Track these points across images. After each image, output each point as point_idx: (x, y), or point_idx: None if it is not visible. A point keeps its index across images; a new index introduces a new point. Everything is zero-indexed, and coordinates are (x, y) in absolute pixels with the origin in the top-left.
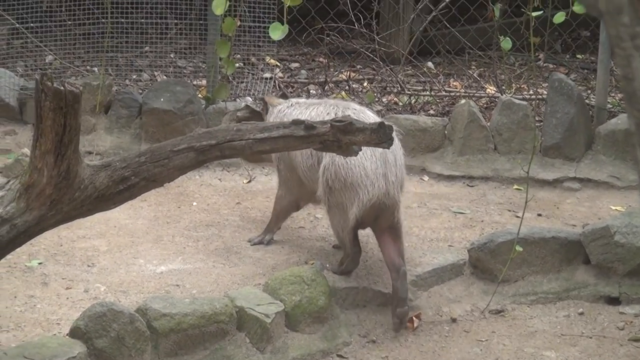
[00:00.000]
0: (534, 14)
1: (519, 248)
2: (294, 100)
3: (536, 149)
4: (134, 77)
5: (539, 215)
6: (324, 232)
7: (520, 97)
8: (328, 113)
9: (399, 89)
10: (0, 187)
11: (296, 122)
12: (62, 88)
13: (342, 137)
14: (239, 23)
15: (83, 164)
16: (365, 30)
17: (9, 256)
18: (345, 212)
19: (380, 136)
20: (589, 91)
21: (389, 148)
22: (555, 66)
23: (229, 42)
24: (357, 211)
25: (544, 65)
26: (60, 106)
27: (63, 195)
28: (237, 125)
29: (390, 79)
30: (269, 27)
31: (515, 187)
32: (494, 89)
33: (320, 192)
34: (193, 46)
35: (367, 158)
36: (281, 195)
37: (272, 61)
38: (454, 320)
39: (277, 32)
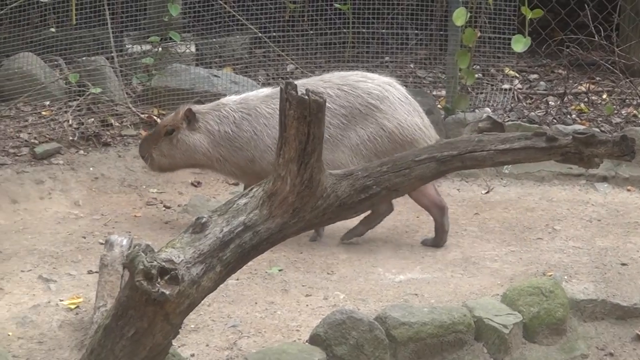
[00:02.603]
0: None
1: None
2: (227, 99)
3: None
4: None
5: None
6: (562, 244)
7: None
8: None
9: (639, 101)
10: (244, 195)
11: (538, 134)
12: (306, 97)
13: (584, 149)
14: (479, 34)
15: (326, 173)
16: (605, 42)
17: (250, 263)
18: None
19: (622, 149)
20: None
21: (630, 161)
22: None
23: (469, 53)
24: None
25: None
26: (304, 115)
27: (305, 203)
28: (478, 136)
29: (629, 91)
30: (508, 38)
31: None
32: None
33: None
34: (433, 56)
35: (408, 113)
36: None
37: (511, 72)
38: None
39: (520, 44)
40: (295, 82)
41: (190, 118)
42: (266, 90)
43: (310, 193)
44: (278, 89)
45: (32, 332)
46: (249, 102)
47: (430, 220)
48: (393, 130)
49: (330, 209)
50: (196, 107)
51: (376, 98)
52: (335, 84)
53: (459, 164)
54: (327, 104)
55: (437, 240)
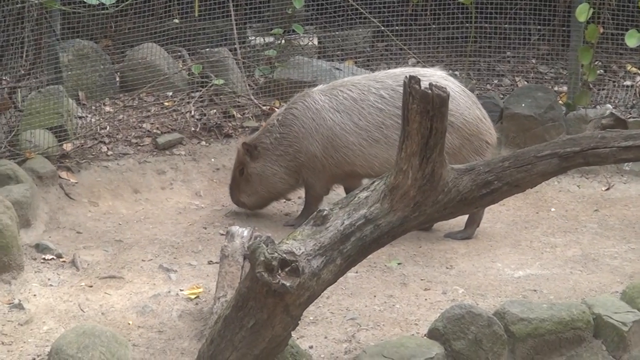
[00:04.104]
0: None
1: None
2: (272, 119)
3: None
4: (495, 81)
5: None
6: None
7: None
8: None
9: None
10: (365, 188)
11: None
12: (429, 91)
13: None
14: (602, 30)
15: (447, 167)
16: None
17: (369, 256)
18: None
19: None
20: None
21: None
22: None
23: (592, 49)
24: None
25: None
26: (427, 109)
27: (427, 197)
28: (601, 133)
29: None
30: None
31: None
32: None
33: None
34: (555, 52)
35: (469, 106)
36: (313, 184)
37: (633, 69)
38: None
39: (633, 39)
40: (348, 79)
41: (250, 150)
42: (316, 88)
43: (431, 187)
44: (327, 86)
45: (152, 321)
46: (295, 101)
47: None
48: (460, 127)
49: (451, 203)
50: (250, 137)
51: None
52: (389, 85)
53: (581, 160)
54: (380, 105)
55: (468, 233)
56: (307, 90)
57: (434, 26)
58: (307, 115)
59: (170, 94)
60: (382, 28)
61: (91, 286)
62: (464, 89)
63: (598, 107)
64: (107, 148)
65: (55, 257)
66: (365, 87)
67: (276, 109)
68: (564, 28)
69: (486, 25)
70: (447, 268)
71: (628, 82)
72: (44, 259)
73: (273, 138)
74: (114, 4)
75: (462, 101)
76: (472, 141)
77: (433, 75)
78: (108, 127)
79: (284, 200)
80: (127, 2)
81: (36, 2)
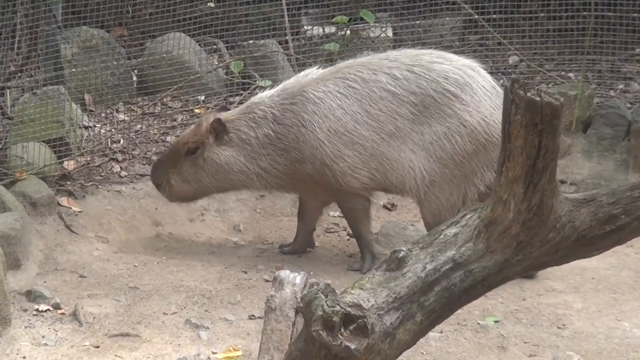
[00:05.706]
0: None
1: None
2: (259, 96)
3: None
4: (621, 86)
5: None
6: None
7: None
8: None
9: None
10: (454, 223)
11: None
12: (537, 99)
13: None
14: None
15: (560, 197)
16: None
17: (459, 311)
18: (468, 181)
19: None
20: None
21: None
22: None
23: None
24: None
25: None
26: (534, 122)
27: (533, 235)
28: None
29: None
30: None
31: None
32: None
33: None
34: None
35: (494, 107)
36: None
37: None
38: None
39: None
40: (354, 60)
41: (219, 130)
42: (316, 72)
43: (539, 223)
44: (329, 69)
45: None
46: (290, 90)
47: None
48: (476, 127)
49: (564, 243)
50: (224, 115)
51: (455, 84)
52: (403, 64)
53: None
54: (393, 88)
55: None
56: (301, 78)
57: (542, 15)
58: (308, 109)
59: (202, 98)
60: (476, 16)
61: (98, 346)
62: (494, 85)
63: None
64: (121, 167)
65: (51, 308)
66: (375, 67)
67: None
68: None
69: (609, 14)
70: (559, 328)
71: None
72: (37, 310)
73: (261, 133)
74: None
75: (486, 98)
76: (488, 150)
77: (457, 61)
78: (122, 141)
79: (349, 236)
80: None
81: None
